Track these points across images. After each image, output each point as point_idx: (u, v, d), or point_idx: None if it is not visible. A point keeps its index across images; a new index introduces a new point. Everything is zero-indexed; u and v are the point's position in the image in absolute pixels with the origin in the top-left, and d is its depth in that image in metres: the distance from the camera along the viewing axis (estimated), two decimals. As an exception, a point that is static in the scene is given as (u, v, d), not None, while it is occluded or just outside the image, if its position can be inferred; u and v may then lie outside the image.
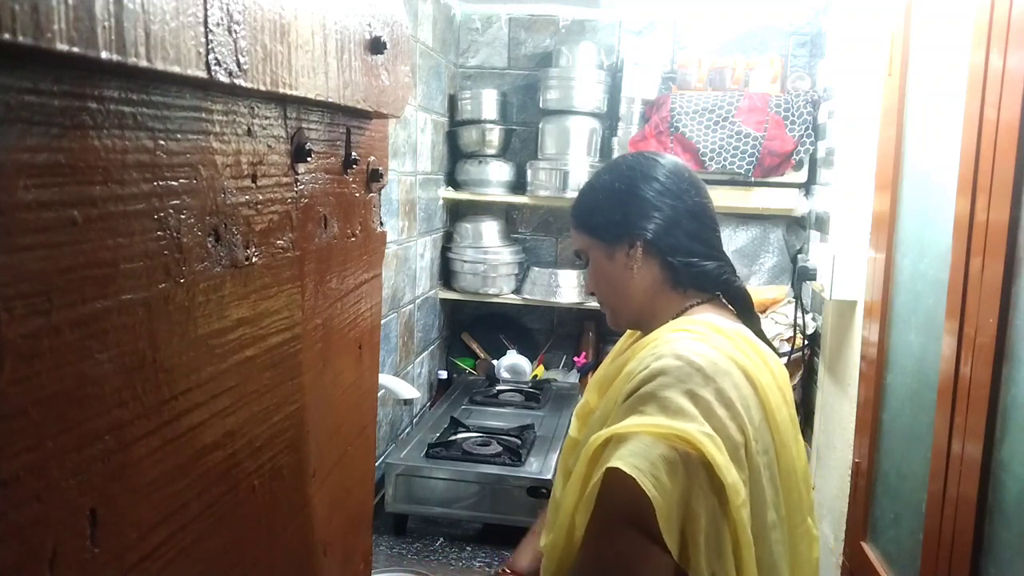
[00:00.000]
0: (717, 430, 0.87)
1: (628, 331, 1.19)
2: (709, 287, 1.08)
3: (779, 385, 1.00)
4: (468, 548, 1.73)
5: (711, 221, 1.10)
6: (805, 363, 2.35)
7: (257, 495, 0.72)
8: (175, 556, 0.57)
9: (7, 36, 0.33)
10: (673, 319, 1.05)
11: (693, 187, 1.09)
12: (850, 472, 1.92)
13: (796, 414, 1.03)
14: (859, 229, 1.96)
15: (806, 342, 2.29)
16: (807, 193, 2.56)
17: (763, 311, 2.40)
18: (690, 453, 0.86)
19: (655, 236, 1.05)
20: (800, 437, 1.03)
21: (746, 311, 1.10)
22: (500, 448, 1.90)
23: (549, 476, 1.76)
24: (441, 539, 1.78)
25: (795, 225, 2.65)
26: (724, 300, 1.11)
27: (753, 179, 2.52)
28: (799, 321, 2.26)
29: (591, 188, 1.14)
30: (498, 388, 2.49)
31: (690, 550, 0.86)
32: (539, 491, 1.75)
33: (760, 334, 1.08)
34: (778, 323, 2.42)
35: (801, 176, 2.52)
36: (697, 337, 0.96)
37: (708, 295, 1.09)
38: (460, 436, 1.99)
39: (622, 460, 0.86)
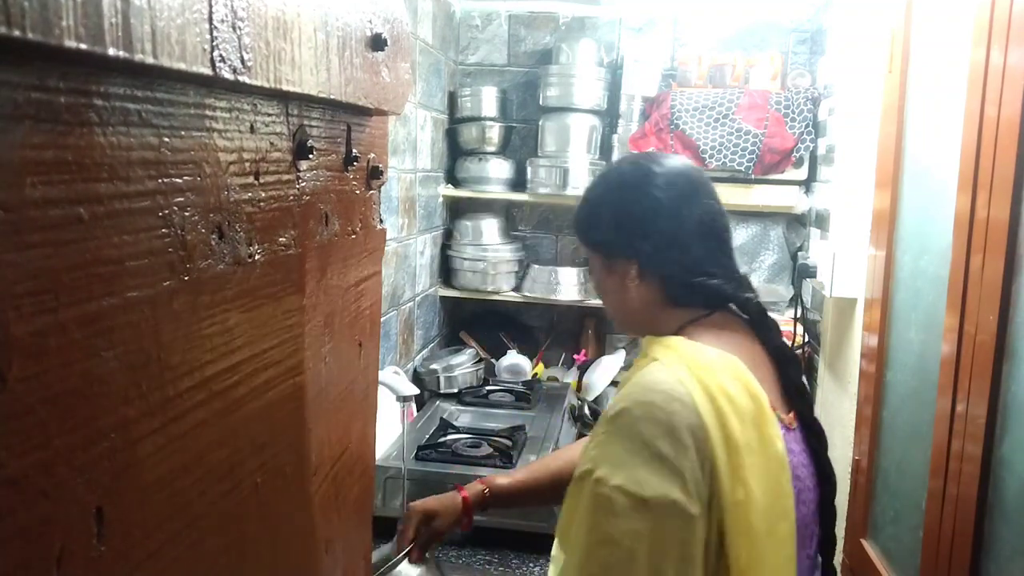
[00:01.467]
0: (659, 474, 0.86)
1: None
2: (711, 303, 1.03)
3: (750, 413, 0.91)
4: (463, 551, 1.72)
5: (715, 230, 1.04)
6: (805, 360, 2.35)
7: (259, 493, 0.72)
8: (179, 554, 0.57)
9: (17, 32, 0.33)
10: (673, 334, 1.02)
11: (692, 198, 1.02)
12: (850, 469, 1.92)
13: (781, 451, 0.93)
14: (859, 226, 1.96)
15: (806, 339, 2.29)
16: (807, 190, 2.56)
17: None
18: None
19: (648, 258, 1.02)
20: (773, 472, 0.92)
21: (758, 322, 1.05)
22: (491, 450, 1.88)
23: None
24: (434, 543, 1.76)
25: (795, 222, 2.65)
26: (735, 309, 1.06)
27: (753, 176, 2.52)
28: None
29: (587, 199, 1.11)
30: (488, 388, 2.47)
31: None
32: None
33: (775, 343, 1.04)
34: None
35: (801, 173, 2.52)
36: (668, 371, 0.92)
37: (711, 309, 1.03)
38: (450, 438, 1.97)
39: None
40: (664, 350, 0.97)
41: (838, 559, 1.96)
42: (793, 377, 1.02)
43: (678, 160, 1.08)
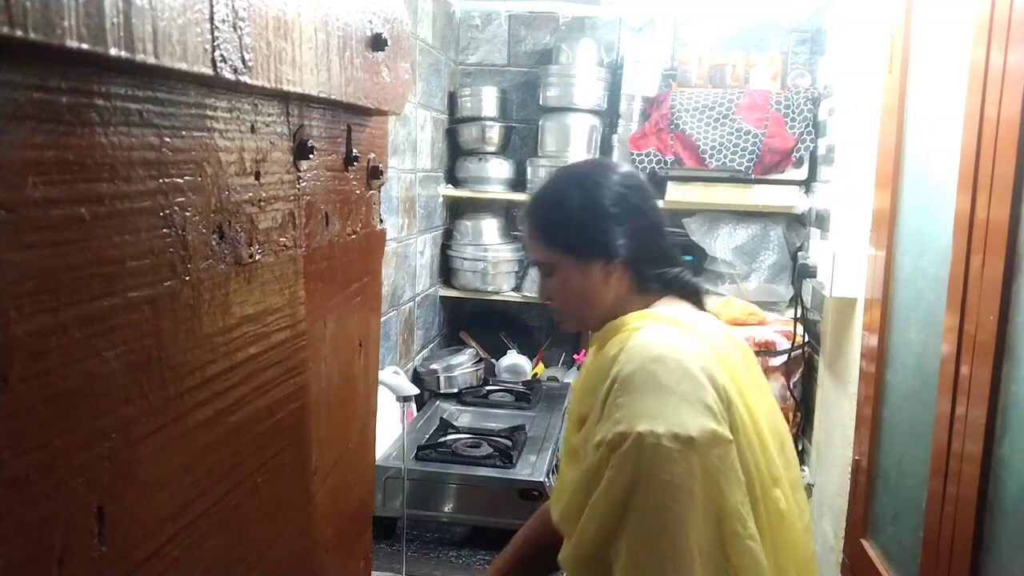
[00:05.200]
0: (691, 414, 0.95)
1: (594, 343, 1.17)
2: (673, 288, 1.15)
3: (741, 359, 1.07)
4: (463, 551, 1.71)
5: (663, 226, 1.18)
6: (805, 360, 2.35)
7: (260, 493, 0.72)
8: (180, 554, 0.57)
9: (19, 32, 0.33)
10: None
11: (648, 199, 1.15)
12: (850, 469, 1.92)
13: (765, 384, 1.12)
14: (859, 226, 1.96)
15: (806, 339, 2.29)
16: (807, 190, 2.56)
17: (740, 325, 2.40)
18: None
19: (628, 252, 1.10)
20: (771, 405, 1.10)
21: (700, 303, 1.17)
22: (491, 450, 1.88)
23: (541, 478, 1.73)
24: (433, 543, 1.75)
25: (795, 222, 2.65)
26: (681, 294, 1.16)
27: (753, 176, 2.52)
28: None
29: (556, 204, 1.14)
30: (488, 389, 2.47)
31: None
32: (531, 493, 1.71)
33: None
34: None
35: (801, 173, 2.52)
36: (659, 330, 1.03)
37: (668, 292, 1.15)
38: (450, 438, 1.97)
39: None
40: (643, 319, 1.07)
41: (838, 558, 1.96)
42: None
43: (626, 167, 1.18)
